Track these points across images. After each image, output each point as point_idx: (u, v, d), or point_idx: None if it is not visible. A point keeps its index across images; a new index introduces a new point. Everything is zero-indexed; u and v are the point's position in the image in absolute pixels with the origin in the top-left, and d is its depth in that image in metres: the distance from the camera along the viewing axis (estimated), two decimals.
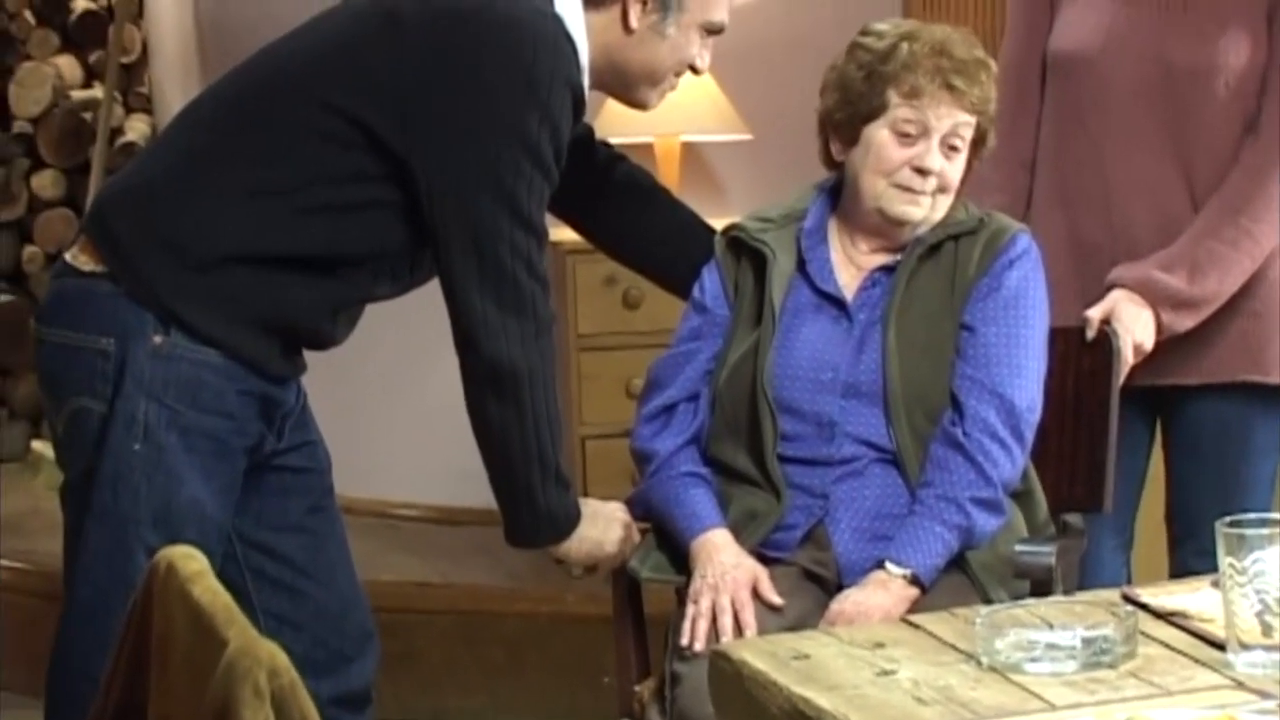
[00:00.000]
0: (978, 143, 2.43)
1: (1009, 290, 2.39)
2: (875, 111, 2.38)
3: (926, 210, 2.40)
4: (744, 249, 2.47)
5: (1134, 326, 2.58)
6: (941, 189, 2.40)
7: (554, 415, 2.28)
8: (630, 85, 2.38)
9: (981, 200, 2.57)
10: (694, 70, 2.41)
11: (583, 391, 4.01)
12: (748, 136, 4.17)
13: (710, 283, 2.48)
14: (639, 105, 2.43)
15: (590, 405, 4.00)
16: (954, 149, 2.39)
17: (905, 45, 2.38)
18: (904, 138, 2.37)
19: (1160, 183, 2.66)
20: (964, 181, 2.46)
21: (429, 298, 2.39)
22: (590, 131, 2.59)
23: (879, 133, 2.38)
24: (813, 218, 2.47)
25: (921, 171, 2.37)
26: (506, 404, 2.25)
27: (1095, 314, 2.58)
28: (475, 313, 2.23)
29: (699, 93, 3.99)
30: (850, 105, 2.41)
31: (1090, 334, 2.57)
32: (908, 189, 2.38)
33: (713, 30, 2.38)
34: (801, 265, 2.45)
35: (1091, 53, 2.68)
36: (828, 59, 2.47)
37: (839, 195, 2.47)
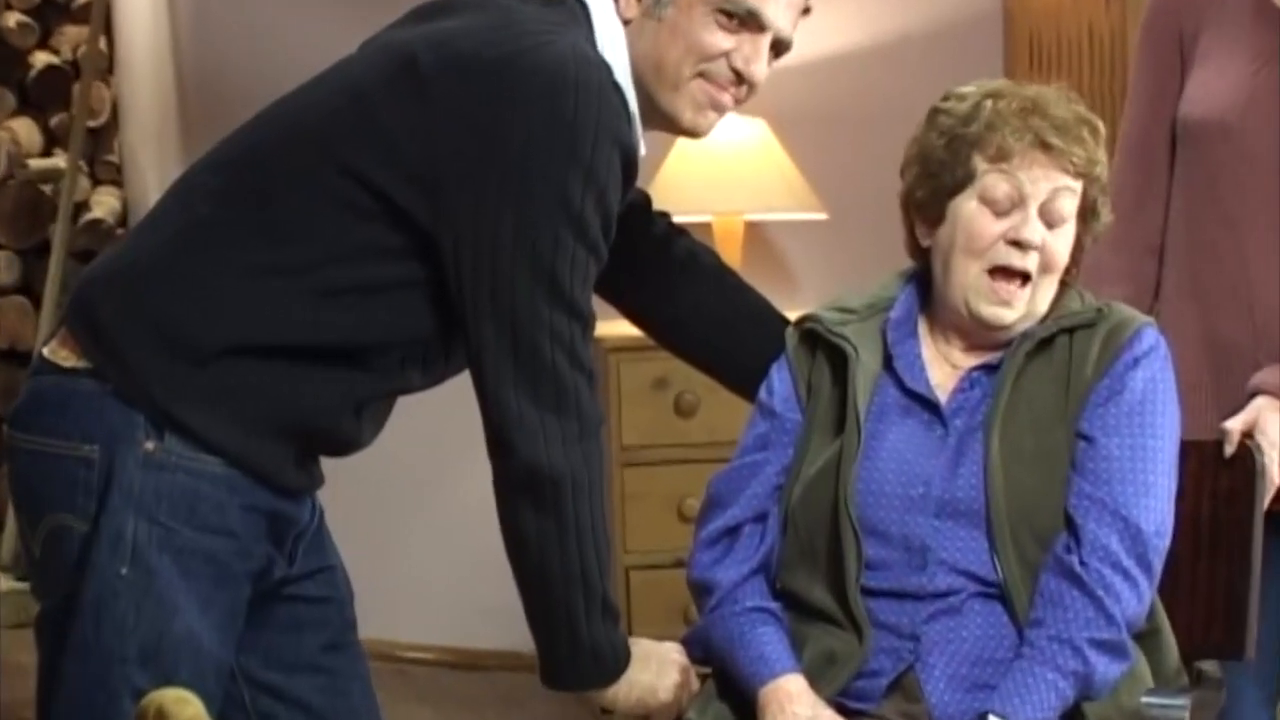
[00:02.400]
0: (1086, 214, 2.44)
1: (1134, 394, 2.39)
2: (961, 183, 2.41)
3: (1021, 312, 2.41)
4: (820, 344, 2.49)
5: None
6: (1046, 268, 2.41)
7: (601, 532, 2.28)
8: (651, 95, 2.34)
9: (1100, 291, 2.58)
10: (739, 76, 2.34)
11: (627, 513, 4.03)
12: (822, 216, 4.20)
13: (780, 383, 2.50)
14: (678, 125, 2.38)
15: (637, 529, 4.02)
16: (1057, 221, 2.41)
17: (990, 103, 2.41)
18: (996, 209, 2.40)
19: None
20: (1075, 263, 2.47)
21: (450, 393, 2.41)
22: (646, 199, 2.60)
23: (967, 205, 2.41)
24: (900, 308, 2.50)
25: (1020, 246, 2.38)
26: (546, 516, 2.25)
27: (1235, 425, 2.59)
28: (510, 409, 2.24)
29: (766, 163, 4.03)
30: (932, 179, 2.44)
31: (1229, 449, 2.58)
32: (1004, 271, 2.38)
33: (733, 12, 2.32)
34: (888, 363, 2.46)
35: (1229, 120, 2.73)
36: (915, 126, 2.50)
37: (929, 286, 2.50)
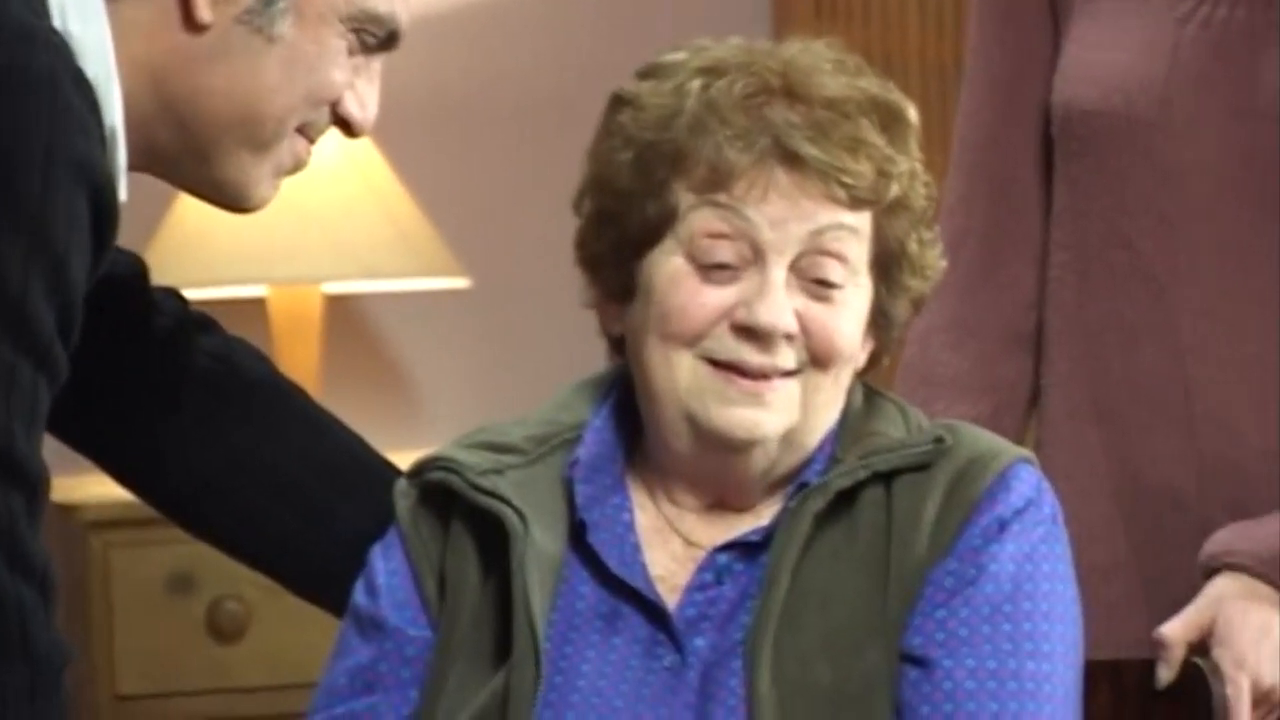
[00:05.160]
0: (888, 266, 2.44)
1: (999, 583, 2.40)
2: (655, 228, 2.42)
3: (789, 417, 2.41)
4: (459, 508, 2.49)
5: (1255, 653, 2.61)
6: (820, 361, 2.40)
7: None
8: (209, 144, 2.38)
9: (934, 409, 2.65)
10: (343, 125, 2.42)
11: None
12: (461, 282, 4.33)
13: (389, 577, 2.51)
14: (232, 193, 2.42)
15: None
16: (829, 284, 2.39)
17: (698, 85, 2.41)
18: (712, 269, 2.39)
19: None
20: (883, 349, 2.48)
21: None
22: (139, 269, 2.63)
23: (666, 264, 2.41)
24: (594, 440, 2.51)
25: (751, 333, 2.37)
26: None
27: (1177, 631, 2.61)
28: None
29: (362, 195, 4.14)
30: (613, 223, 2.45)
31: (1167, 674, 2.60)
32: (733, 368, 2.39)
33: (371, 32, 2.40)
34: (577, 536, 2.45)
35: (1139, 107, 2.78)
36: None
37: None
